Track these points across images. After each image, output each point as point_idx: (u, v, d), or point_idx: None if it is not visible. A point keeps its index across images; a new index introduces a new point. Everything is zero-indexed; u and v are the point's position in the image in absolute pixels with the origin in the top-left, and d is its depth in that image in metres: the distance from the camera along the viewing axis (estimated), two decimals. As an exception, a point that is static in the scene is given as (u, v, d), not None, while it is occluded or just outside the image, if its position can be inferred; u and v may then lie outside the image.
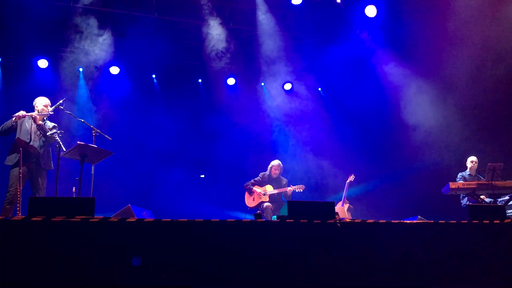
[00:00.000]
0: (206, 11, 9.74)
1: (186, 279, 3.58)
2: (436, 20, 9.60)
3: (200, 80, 11.27)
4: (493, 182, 7.40)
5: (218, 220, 3.84)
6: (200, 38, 10.05)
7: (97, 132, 6.23)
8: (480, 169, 8.11)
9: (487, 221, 4.47)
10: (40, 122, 6.13)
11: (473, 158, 8.27)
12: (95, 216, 3.65)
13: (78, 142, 5.60)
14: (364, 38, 10.39)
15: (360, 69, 10.74)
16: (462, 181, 7.95)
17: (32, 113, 6.13)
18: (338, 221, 4.08)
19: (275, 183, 8.17)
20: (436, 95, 9.59)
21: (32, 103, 6.35)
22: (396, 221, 4.30)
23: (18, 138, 6.09)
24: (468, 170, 8.24)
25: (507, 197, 7.68)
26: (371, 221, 4.19)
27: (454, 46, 9.23)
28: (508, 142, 8.71)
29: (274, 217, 4.72)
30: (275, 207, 7.84)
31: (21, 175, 5.72)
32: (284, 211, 6.40)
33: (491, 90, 8.76)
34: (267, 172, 8.28)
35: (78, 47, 9.52)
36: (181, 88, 10.98)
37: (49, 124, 6.31)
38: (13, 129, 6.10)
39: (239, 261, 3.74)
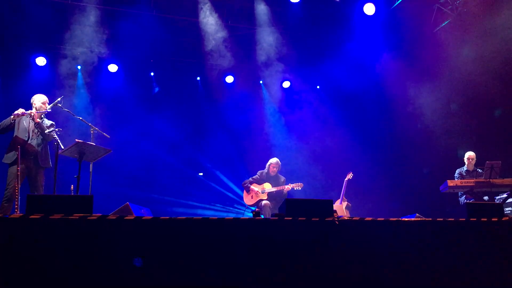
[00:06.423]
0: (205, 8, 9.72)
1: (184, 277, 3.58)
2: (435, 16, 9.62)
3: (198, 78, 11.26)
4: (491, 179, 7.41)
5: (216, 218, 3.84)
6: (198, 36, 10.03)
7: (95, 130, 6.22)
8: (479, 167, 8.09)
9: (485, 219, 4.48)
10: (38, 120, 6.11)
11: (470, 153, 8.14)
12: (93, 214, 3.64)
13: (76, 140, 5.58)
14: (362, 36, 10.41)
15: (359, 67, 10.74)
16: (460, 178, 7.95)
17: (31, 111, 6.12)
18: (336, 219, 4.08)
19: (273, 181, 8.17)
20: (436, 92, 9.60)
21: (30, 101, 6.34)
22: (394, 219, 4.30)
23: (16, 136, 6.08)
24: (465, 166, 8.20)
25: (505, 195, 7.68)
26: (369, 219, 4.19)
27: (453, 42, 9.24)
28: (506, 139, 8.71)
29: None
30: (273, 205, 7.84)
31: (19, 173, 5.71)
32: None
33: (489, 86, 8.74)
34: (265, 170, 8.27)
35: (76, 44, 9.50)
36: (180, 86, 10.98)
37: (47, 122, 6.30)
38: (11, 127, 6.10)
39: (238, 259, 3.75)
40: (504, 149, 8.50)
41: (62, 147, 5.63)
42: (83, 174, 5.64)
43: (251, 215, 4.13)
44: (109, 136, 6.43)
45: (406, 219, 4.51)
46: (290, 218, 4.00)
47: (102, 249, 3.50)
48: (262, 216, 6.58)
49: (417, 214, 5.85)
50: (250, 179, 8.27)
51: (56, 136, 5.77)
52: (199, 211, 10.39)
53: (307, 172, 10.56)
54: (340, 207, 8.78)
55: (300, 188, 8.03)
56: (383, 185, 10.16)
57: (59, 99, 6.13)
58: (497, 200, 7.71)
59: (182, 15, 9.94)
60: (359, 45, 10.52)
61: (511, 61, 8.37)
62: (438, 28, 9.69)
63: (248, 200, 8.22)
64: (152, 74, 10.83)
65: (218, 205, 10.71)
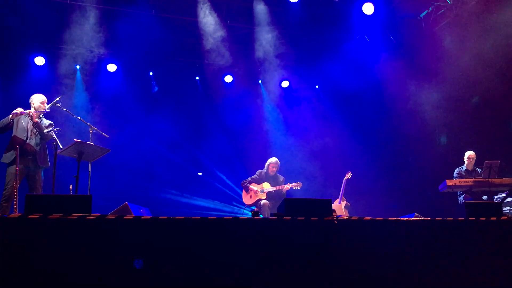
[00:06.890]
0: (204, 8, 9.72)
1: (183, 277, 3.58)
2: (435, 15, 9.61)
3: (197, 78, 11.25)
4: (490, 179, 7.40)
5: (215, 217, 3.83)
6: (197, 35, 10.03)
7: (94, 130, 6.23)
8: (478, 167, 8.08)
9: (484, 218, 4.48)
10: (37, 119, 6.10)
11: (470, 153, 8.13)
12: (92, 214, 3.64)
13: (75, 139, 5.58)
14: (362, 37, 10.40)
15: (358, 66, 10.74)
16: (459, 178, 7.94)
17: (29, 111, 6.11)
18: (335, 218, 4.08)
19: (272, 180, 8.17)
20: (435, 92, 9.59)
21: (29, 101, 6.33)
22: (393, 219, 4.30)
23: (14, 135, 6.07)
24: (465, 165, 8.19)
25: (503, 194, 7.69)
26: (368, 218, 4.19)
27: (453, 40, 9.23)
28: (505, 139, 8.72)
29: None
30: (272, 204, 7.84)
31: (18, 172, 5.70)
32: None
33: (490, 84, 8.73)
34: (264, 170, 8.28)
35: (75, 44, 9.49)
36: (179, 85, 10.97)
37: (45, 121, 6.29)
38: (10, 126, 6.09)
39: (237, 259, 3.74)
40: (503, 149, 8.50)
41: (61, 147, 5.63)
42: (82, 174, 5.64)
43: (250, 214, 4.12)
44: (108, 136, 6.43)
45: (405, 219, 4.51)
46: (289, 218, 4.00)
47: (101, 249, 3.49)
48: (261, 216, 6.58)
49: (416, 214, 5.85)
50: (249, 178, 8.27)
51: (54, 135, 5.78)
52: (198, 211, 10.39)
53: (306, 171, 10.55)
54: (339, 207, 8.78)
55: (299, 188, 8.03)
56: (382, 185, 10.16)
57: (57, 98, 6.13)
58: (496, 200, 7.71)
59: (181, 14, 9.94)
60: (358, 45, 10.52)
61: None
62: (437, 27, 9.69)
63: (247, 199, 8.22)
64: (151, 73, 10.82)
65: (217, 201, 10.73)
